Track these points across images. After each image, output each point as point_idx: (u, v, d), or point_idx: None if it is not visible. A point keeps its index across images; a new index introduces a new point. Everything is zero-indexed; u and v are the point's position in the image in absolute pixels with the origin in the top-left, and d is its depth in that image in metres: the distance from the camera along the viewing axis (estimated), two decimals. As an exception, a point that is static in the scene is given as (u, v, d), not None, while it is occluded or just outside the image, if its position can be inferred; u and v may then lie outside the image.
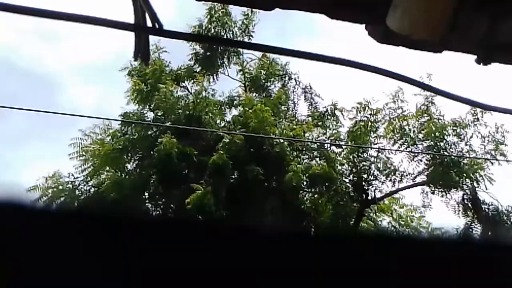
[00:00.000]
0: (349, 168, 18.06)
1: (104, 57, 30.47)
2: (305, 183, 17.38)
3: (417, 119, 18.04)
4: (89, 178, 17.00)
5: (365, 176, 17.82)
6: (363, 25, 3.07)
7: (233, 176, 16.77)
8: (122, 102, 18.63)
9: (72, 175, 16.97)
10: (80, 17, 2.19)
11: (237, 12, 18.29)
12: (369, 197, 17.88)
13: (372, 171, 17.86)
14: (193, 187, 15.32)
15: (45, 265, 1.06)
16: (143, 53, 2.44)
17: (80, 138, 17.02)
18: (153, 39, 15.17)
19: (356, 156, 17.95)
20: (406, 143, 17.82)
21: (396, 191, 18.26)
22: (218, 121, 17.97)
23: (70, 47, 27.86)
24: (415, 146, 17.80)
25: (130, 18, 2.26)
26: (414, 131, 17.91)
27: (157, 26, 2.24)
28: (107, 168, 16.90)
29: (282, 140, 16.99)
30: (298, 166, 16.77)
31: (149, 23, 2.19)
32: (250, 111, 17.01)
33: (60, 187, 16.77)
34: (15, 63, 29.20)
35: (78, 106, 28.25)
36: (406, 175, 17.83)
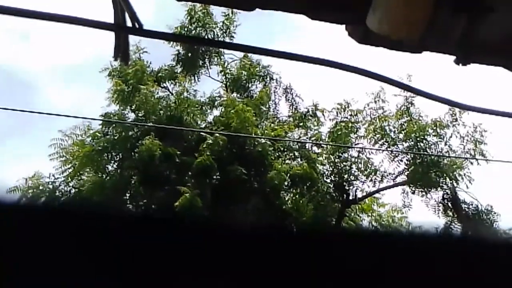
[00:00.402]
0: (330, 168, 18.13)
1: (81, 57, 30.25)
2: (286, 183, 17.42)
3: (398, 119, 18.15)
4: (69, 179, 16.90)
5: (346, 176, 17.90)
6: (343, 26, 3.09)
7: (216, 177, 16.77)
8: (101, 103, 18.57)
9: (53, 175, 16.88)
10: (61, 16, 2.18)
11: (217, 12, 18.29)
12: (350, 197, 17.97)
13: (353, 171, 17.95)
14: (179, 189, 15.29)
15: (31, 263, 1.06)
16: (123, 53, 2.44)
17: (60, 139, 16.93)
18: (133, 39, 15.11)
19: (337, 157, 18.02)
20: (387, 143, 17.93)
21: (377, 191, 18.37)
22: (199, 122, 17.94)
23: (46, 47, 27.64)
24: (395, 146, 17.91)
25: (110, 18, 2.25)
26: (394, 131, 18.02)
27: (137, 26, 2.24)
28: (88, 169, 16.81)
29: (264, 140, 17.02)
30: (280, 166, 16.81)
31: (129, 23, 2.19)
32: (232, 111, 17.00)
33: (41, 187, 16.65)
34: None
35: (56, 107, 28.02)
36: (387, 175, 17.95)
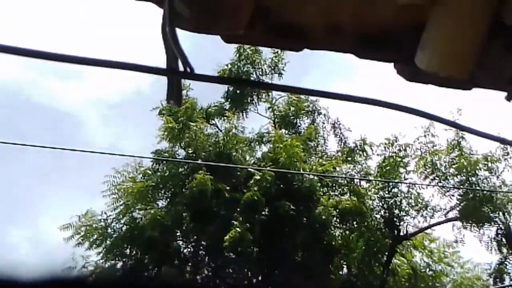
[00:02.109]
0: (380, 203, 17.92)
1: (120, 95, 30.60)
2: (335, 218, 17.29)
3: (448, 153, 17.89)
4: (121, 216, 17.08)
5: (396, 211, 17.66)
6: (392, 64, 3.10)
7: (264, 212, 16.76)
8: (142, 139, 18.74)
9: (105, 213, 17.08)
10: (115, 63, 2.25)
11: (266, 49, 18.48)
12: (401, 233, 17.68)
13: (403, 207, 17.70)
14: (229, 224, 15.35)
15: None
16: (175, 96, 2.50)
17: (113, 176, 17.13)
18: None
19: (386, 191, 17.82)
20: (437, 178, 17.65)
21: (428, 227, 18.04)
22: (248, 158, 18.02)
23: (87, 83, 28.16)
24: (446, 181, 17.61)
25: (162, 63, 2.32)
26: (445, 166, 17.74)
27: (188, 70, 2.30)
28: (139, 205, 16.98)
29: (312, 176, 16.96)
30: (327, 201, 16.71)
31: (181, 67, 2.25)
32: (280, 147, 17.04)
33: (94, 225, 16.85)
34: (30, 99, 29.49)
35: (95, 143, 28.30)
36: (438, 210, 17.64)
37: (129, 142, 27.82)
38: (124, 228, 16.93)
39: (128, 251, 16.94)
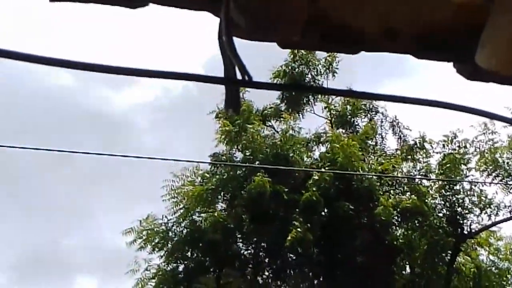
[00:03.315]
0: (442, 201, 17.61)
1: (170, 97, 30.79)
2: (396, 218, 17.09)
3: (510, 150, 17.44)
4: (181, 219, 17.27)
5: (459, 209, 17.32)
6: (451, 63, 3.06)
7: (323, 213, 16.70)
8: (192, 142, 18.84)
9: (165, 216, 17.30)
10: (170, 73, 2.28)
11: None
12: (465, 231, 17.33)
13: (466, 205, 17.35)
14: (288, 225, 15.37)
15: None
16: (234, 105, 2.52)
17: (172, 180, 17.33)
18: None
19: (448, 190, 17.49)
20: (500, 175, 17.24)
21: (493, 224, 17.63)
22: (305, 159, 17.98)
23: (136, 88, 28.45)
24: (510, 177, 17.18)
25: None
26: (508, 162, 17.31)
27: (246, 78, 2.31)
28: (199, 208, 17.14)
29: (371, 175, 16.81)
30: (388, 201, 16.52)
31: (238, 76, 2.26)
32: (337, 147, 16.95)
33: (155, 229, 17.08)
34: (80, 106, 30.02)
35: (145, 148, 28.54)
36: (503, 208, 17.21)
37: (178, 145, 28.04)
38: (185, 231, 17.13)
39: (189, 253, 17.13)
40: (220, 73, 2.42)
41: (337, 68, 18.59)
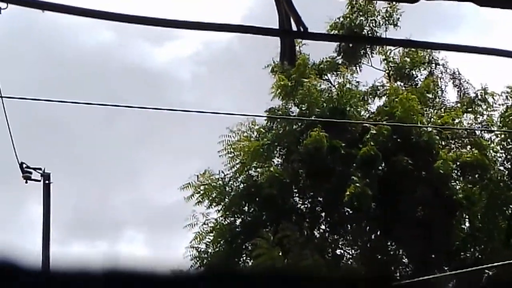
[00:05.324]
0: (503, 154, 17.22)
1: (210, 51, 30.44)
2: (456, 172, 16.82)
3: None
4: (237, 174, 17.38)
5: (521, 163, 16.92)
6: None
7: (381, 168, 16.55)
8: (237, 96, 18.54)
9: (222, 172, 17.43)
10: (229, 26, 2.23)
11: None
12: (527, 185, 16.96)
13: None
14: (346, 181, 15.32)
15: None
16: (289, 56, 2.45)
17: (228, 135, 17.38)
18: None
19: (510, 142, 17.07)
20: None
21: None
22: (362, 113, 17.77)
23: (177, 43, 28.04)
24: None
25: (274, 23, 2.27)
26: None
27: (301, 30, 2.24)
28: (255, 163, 17.20)
29: (430, 129, 16.53)
30: (448, 154, 16.24)
31: (294, 27, 2.19)
32: (396, 100, 16.68)
33: (213, 184, 17.25)
34: (122, 61, 30.01)
35: (184, 102, 28.21)
36: None
37: (221, 100, 27.76)
38: (242, 186, 17.26)
39: (246, 208, 17.28)
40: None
41: (398, 20, 18.09)
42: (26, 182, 17.23)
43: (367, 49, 18.51)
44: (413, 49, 18.12)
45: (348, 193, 15.08)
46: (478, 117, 17.75)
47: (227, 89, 26.81)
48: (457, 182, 17.09)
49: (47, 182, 17.35)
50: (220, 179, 17.37)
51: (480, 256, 16.73)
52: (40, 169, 17.37)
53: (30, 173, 17.25)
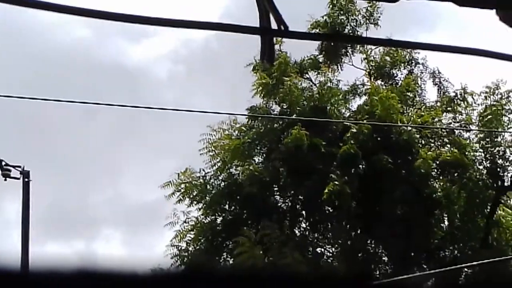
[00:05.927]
0: (482, 154, 17.36)
1: (189, 49, 30.31)
2: (436, 171, 16.93)
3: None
4: (218, 173, 17.37)
5: (499, 161, 17.08)
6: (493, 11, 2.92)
7: (361, 166, 16.62)
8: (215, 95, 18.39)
9: (203, 170, 17.40)
10: (207, 24, 2.22)
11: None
12: (505, 183, 17.11)
13: (506, 156, 17.10)
14: (326, 179, 15.37)
15: None
16: (268, 55, 2.44)
17: (209, 134, 17.33)
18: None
19: (489, 141, 17.22)
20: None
21: (535, 177, 17.35)
22: (343, 111, 17.83)
23: (155, 40, 27.87)
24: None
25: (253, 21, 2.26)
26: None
27: (282, 28, 2.23)
28: (236, 162, 17.20)
29: (410, 128, 16.62)
30: (427, 153, 16.35)
31: (274, 25, 2.19)
32: (376, 99, 16.75)
33: (193, 182, 17.22)
34: (98, 59, 29.78)
35: (162, 100, 28.08)
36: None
37: (200, 98, 27.62)
38: (223, 184, 17.25)
39: (227, 206, 17.28)
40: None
41: (378, 19, 18.14)
42: (5, 180, 17.08)
43: (348, 48, 18.55)
44: (393, 48, 18.20)
45: (327, 191, 15.14)
46: (457, 116, 17.87)
47: (205, 87, 26.72)
48: (436, 180, 17.21)
49: (26, 180, 17.21)
50: (201, 177, 17.36)
51: (458, 255, 16.88)
52: (19, 166, 17.23)
53: (10, 170, 17.10)
